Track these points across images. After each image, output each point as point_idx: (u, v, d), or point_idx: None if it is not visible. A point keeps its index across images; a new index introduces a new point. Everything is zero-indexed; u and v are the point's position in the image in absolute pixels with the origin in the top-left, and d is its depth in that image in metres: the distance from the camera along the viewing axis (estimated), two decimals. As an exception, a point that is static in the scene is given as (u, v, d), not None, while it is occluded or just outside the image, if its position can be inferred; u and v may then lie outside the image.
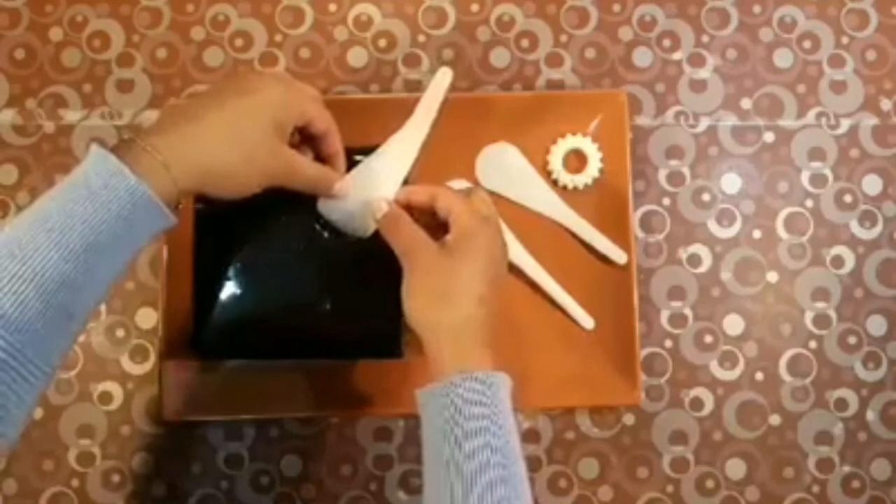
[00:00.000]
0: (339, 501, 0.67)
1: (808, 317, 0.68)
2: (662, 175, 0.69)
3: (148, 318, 0.67)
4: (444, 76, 0.60)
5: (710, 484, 0.67)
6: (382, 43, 0.70)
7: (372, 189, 0.59)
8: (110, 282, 0.48)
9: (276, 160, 0.54)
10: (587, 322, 0.66)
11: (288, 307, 0.61)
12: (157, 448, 0.67)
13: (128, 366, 0.67)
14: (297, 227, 0.62)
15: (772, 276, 0.68)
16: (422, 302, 0.53)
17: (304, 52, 0.70)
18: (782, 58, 0.70)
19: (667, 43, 0.70)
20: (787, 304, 0.68)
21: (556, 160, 0.67)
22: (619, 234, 0.66)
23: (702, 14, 0.71)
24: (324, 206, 0.61)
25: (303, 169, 0.56)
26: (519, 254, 0.66)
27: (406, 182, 0.60)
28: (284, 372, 0.64)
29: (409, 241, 0.55)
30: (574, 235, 0.67)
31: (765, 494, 0.67)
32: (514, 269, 0.65)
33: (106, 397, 0.67)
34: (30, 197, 0.68)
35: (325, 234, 0.62)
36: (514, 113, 0.67)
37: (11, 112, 0.69)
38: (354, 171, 0.60)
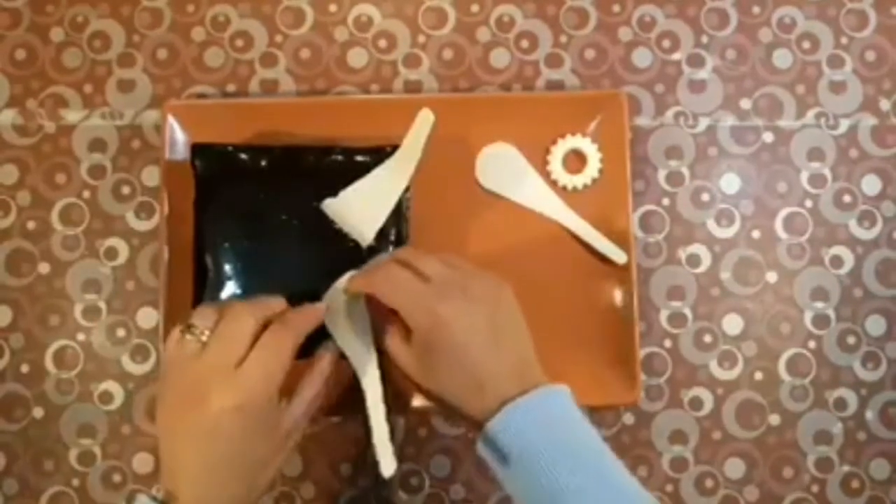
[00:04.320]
0: (340, 501, 0.67)
1: (808, 317, 0.68)
2: (662, 175, 0.69)
3: (148, 317, 0.67)
4: (426, 119, 0.59)
5: (709, 483, 0.67)
6: (382, 43, 0.70)
7: (372, 200, 0.60)
8: None
9: (280, 453, 0.52)
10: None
11: (289, 307, 0.61)
12: (157, 448, 0.67)
13: (128, 366, 0.67)
14: (298, 226, 0.62)
15: (771, 276, 0.69)
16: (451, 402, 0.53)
17: (305, 53, 0.70)
18: (781, 58, 0.71)
19: (666, 43, 0.71)
20: (786, 303, 0.69)
21: (555, 160, 0.67)
22: (619, 234, 0.66)
23: (701, 14, 0.71)
24: (327, 207, 0.62)
25: (299, 419, 0.53)
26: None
27: (399, 208, 0.62)
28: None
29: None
30: (574, 235, 0.67)
31: (764, 494, 0.67)
32: (513, 260, 0.66)
33: (106, 397, 0.67)
34: (30, 197, 0.68)
35: (326, 234, 0.62)
36: (513, 113, 0.67)
37: (12, 112, 0.70)
38: (358, 184, 0.61)
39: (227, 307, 0.51)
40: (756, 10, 0.71)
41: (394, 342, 0.54)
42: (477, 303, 0.52)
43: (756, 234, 0.69)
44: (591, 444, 0.50)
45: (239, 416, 0.49)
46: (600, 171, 0.67)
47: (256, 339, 0.50)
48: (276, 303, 0.53)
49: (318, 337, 0.56)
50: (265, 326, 0.51)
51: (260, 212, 0.63)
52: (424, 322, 0.51)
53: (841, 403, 0.68)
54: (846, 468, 0.68)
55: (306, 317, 0.54)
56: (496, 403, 0.50)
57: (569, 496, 0.47)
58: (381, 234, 0.62)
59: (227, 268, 0.62)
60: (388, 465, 0.54)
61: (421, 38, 0.71)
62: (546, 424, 0.49)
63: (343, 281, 0.58)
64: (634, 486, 0.49)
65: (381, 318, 0.56)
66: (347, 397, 0.59)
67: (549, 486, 0.47)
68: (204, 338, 0.50)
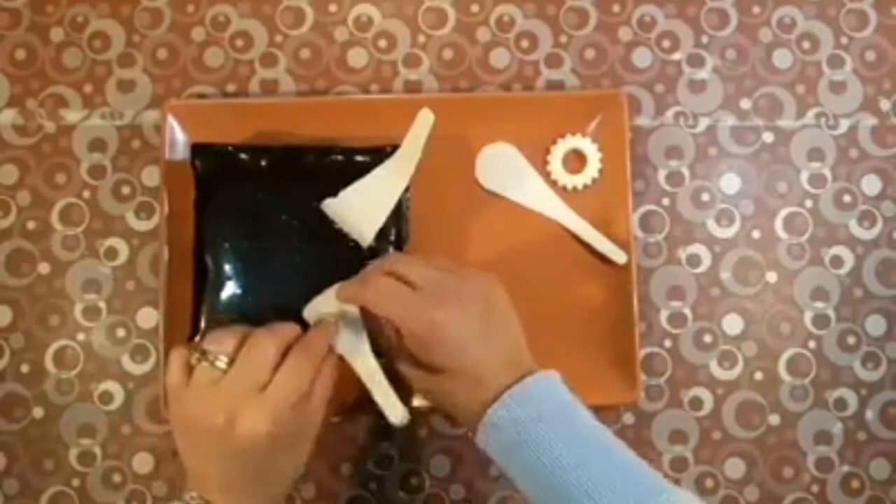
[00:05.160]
0: (339, 501, 0.67)
1: (808, 317, 0.68)
2: (662, 175, 0.69)
3: (148, 317, 0.67)
4: (426, 119, 0.59)
5: (709, 483, 0.67)
6: (382, 43, 0.70)
7: (371, 202, 0.61)
8: None
9: (303, 454, 0.55)
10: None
11: (288, 307, 0.61)
12: (157, 448, 0.67)
13: (128, 365, 0.67)
14: (298, 226, 0.62)
15: (771, 276, 0.69)
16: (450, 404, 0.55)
17: (305, 53, 0.70)
18: (781, 58, 0.71)
19: (666, 43, 0.71)
20: (786, 303, 0.69)
21: (555, 160, 0.67)
22: (619, 234, 0.66)
23: (701, 14, 0.71)
24: (327, 207, 0.62)
25: (317, 422, 0.54)
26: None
27: (399, 208, 0.62)
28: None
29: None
30: (574, 235, 0.67)
31: (764, 494, 0.67)
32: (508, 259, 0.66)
33: (106, 397, 0.67)
34: (30, 197, 0.68)
35: (326, 234, 0.62)
36: (514, 113, 0.67)
37: (12, 112, 0.69)
38: (358, 184, 0.62)
39: (246, 333, 0.53)
40: (756, 10, 0.71)
41: (389, 346, 0.55)
42: (469, 305, 0.53)
43: (756, 234, 0.69)
44: (588, 421, 0.51)
45: (269, 440, 0.50)
46: (600, 171, 0.67)
47: (277, 364, 0.51)
48: (291, 328, 0.54)
49: None
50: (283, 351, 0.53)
51: (260, 212, 0.63)
52: (419, 329, 0.52)
53: (841, 403, 0.68)
54: (846, 468, 0.68)
55: (323, 337, 0.55)
56: (493, 393, 0.51)
57: (571, 471, 0.48)
58: (381, 234, 0.62)
59: (227, 268, 0.62)
60: (396, 413, 0.55)
61: (421, 38, 0.71)
62: (543, 405, 0.51)
63: (335, 288, 0.58)
64: (637, 460, 0.50)
65: (375, 323, 0.57)
66: (347, 397, 0.59)
67: (551, 463, 0.48)
68: (219, 363, 0.51)
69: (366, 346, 0.57)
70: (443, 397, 0.54)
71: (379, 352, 0.57)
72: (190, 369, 0.52)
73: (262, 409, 0.50)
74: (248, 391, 0.50)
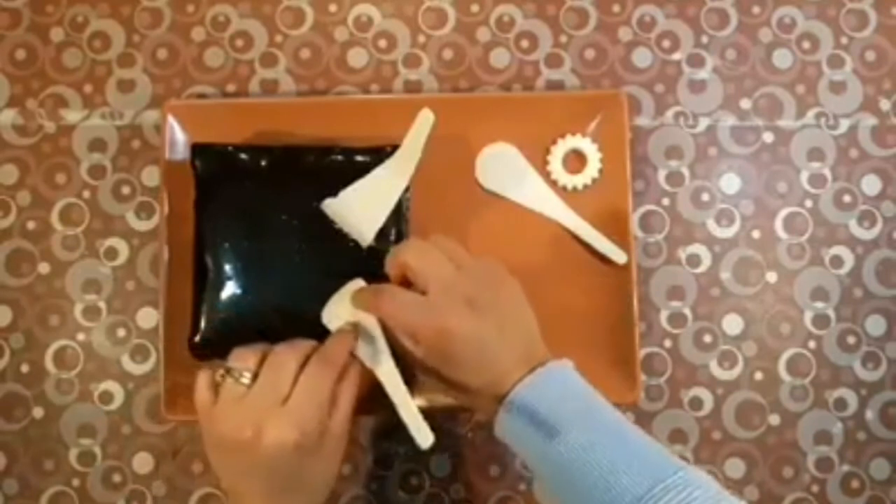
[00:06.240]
0: (340, 501, 0.67)
1: (808, 317, 0.68)
2: (662, 175, 0.69)
3: (148, 317, 0.67)
4: (426, 119, 0.59)
5: (709, 483, 0.67)
6: (382, 43, 0.70)
7: (373, 201, 0.62)
8: None
9: (336, 460, 0.56)
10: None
11: (289, 307, 0.61)
12: (157, 448, 0.67)
13: (128, 365, 0.67)
14: (298, 226, 0.62)
15: (771, 276, 0.69)
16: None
17: (305, 53, 0.70)
18: (781, 58, 0.71)
19: (666, 43, 0.71)
20: (786, 303, 0.69)
21: (555, 160, 0.67)
22: (619, 234, 0.66)
23: (701, 14, 0.71)
24: (327, 207, 0.62)
25: (343, 430, 0.55)
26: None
27: (399, 208, 0.62)
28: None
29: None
30: (574, 235, 0.67)
31: (764, 494, 0.67)
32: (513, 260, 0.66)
33: (106, 397, 0.67)
34: (30, 197, 0.68)
35: (326, 234, 0.62)
36: (513, 113, 0.67)
37: (12, 112, 0.70)
38: (358, 184, 0.62)
39: (267, 350, 0.54)
40: (756, 10, 0.71)
41: (405, 350, 0.56)
42: (482, 311, 0.53)
43: (756, 234, 0.69)
44: (601, 404, 0.52)
45: (295, 449, 0.52)
46: (600, 171, 0.67)
47: (297, 376, 0.53)
48: (311, 342, 0.56)
49: (310, 338, 0.56)
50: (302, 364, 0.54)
51: (260, 212, 0.63)
52: (432, 337, 0.53)
53: (841, 403, 0.68)
54: (846, 468, 0.68)
55: (341, 346, 0.56)
56: (508, 387, 0.52)
57: (587, 454, 0.49)
58: (381, 234, 0.62)
59: (227, 268, 0.62)
60: (424, 437, 0.55)
61: (421, 38, 0.71)
62: (556, 392, 0.51)
63: (349, 288, 0.58)
64: (651, 441, 0.51)
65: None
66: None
67: (567, 449, 0.49)
68: (243, 380, 0.53)
69: (386, 353, 0.57)
70: (462, 398, 0.55)
71: (396, 354, 0.57)
72: (216, 388, 0.54)
73: (286, 421, 0.52)
74: (272, 404, 0.52)
